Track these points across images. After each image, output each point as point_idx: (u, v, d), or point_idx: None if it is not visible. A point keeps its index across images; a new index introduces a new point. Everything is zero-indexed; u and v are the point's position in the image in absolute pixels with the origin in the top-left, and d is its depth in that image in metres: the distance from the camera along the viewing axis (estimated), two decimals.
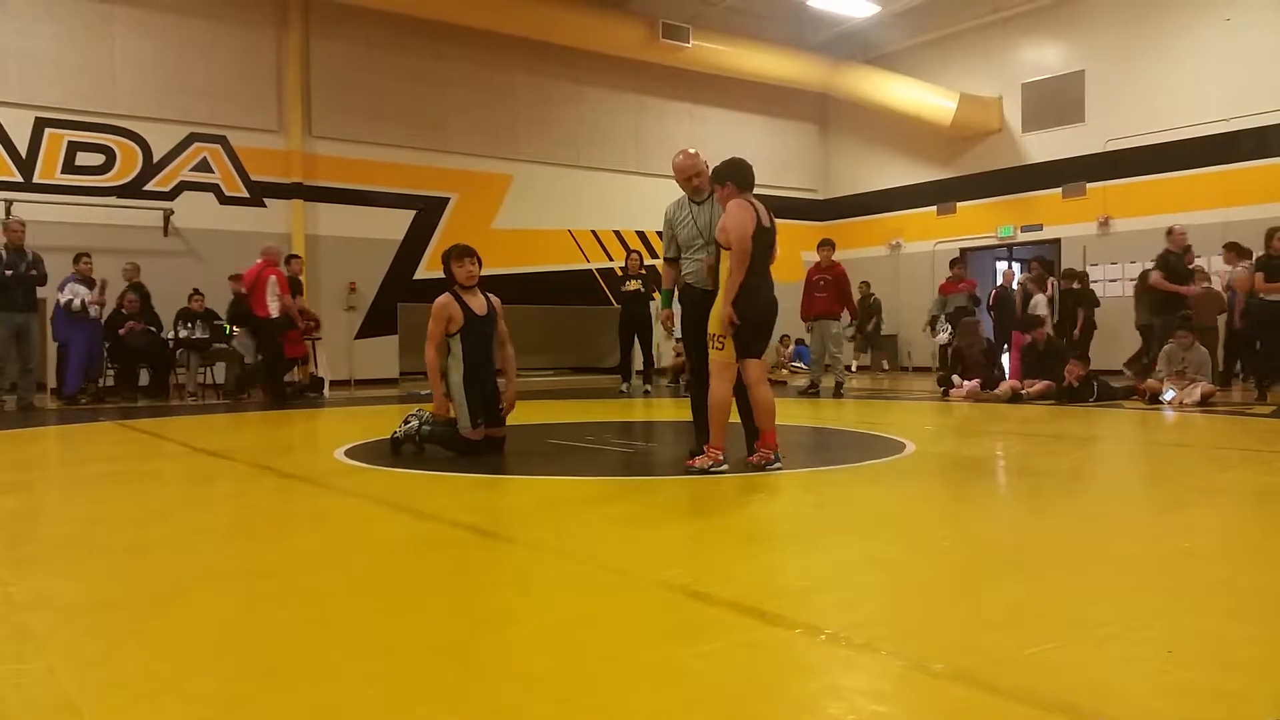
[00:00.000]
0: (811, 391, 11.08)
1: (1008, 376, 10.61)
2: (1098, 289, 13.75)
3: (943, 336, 13.66)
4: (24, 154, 11.85)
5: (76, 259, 10.63)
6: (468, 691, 1.88)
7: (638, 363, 12.49)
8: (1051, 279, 12.97)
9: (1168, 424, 7.41)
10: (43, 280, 9.88)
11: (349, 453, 5.82)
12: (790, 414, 8.40)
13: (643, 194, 15.87)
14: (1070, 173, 15.34)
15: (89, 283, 10.55)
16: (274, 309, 10.40)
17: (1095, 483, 4.82)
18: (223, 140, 13.14)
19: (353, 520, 3.88)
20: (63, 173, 12.07)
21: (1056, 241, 15.62)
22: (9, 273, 9.43)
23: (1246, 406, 8.81)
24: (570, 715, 1.76)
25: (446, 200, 14.90)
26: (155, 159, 12.65)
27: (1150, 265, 11.36)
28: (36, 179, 11.89)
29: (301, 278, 11.97)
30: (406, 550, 3.26)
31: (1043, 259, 13.71)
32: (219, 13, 13.07)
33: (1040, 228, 15.92)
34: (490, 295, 6.00)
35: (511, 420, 5.99)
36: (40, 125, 11.94)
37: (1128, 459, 5.90)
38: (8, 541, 3.45)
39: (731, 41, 16.46)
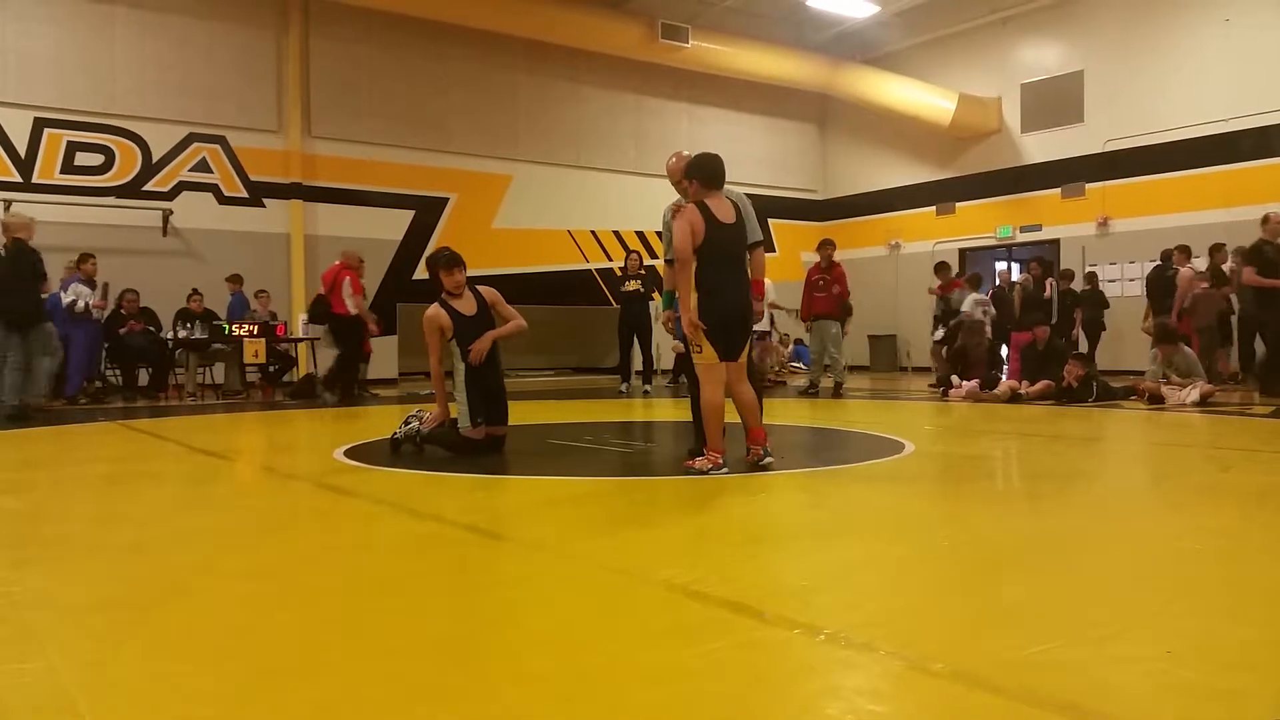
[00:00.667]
0: (811, 392, 11.09)
1: (1006, 376, 10.60)
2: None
3: (938, 333, 13.60)
4: (23, 154, 11.85)
5: (83, 260, 10.64)
6: (468, 691, 1.88)
7: (637, 363, 12.49)
8: (1051, 279, 12.96)
9: (1167, 424, 7.41)
10: (43, 279, 9.86)
11: (348, 453, 5.81)
12: (790, 414, 8.40)
13: (642, 194, 15.87)
14: (1069, 173, 15.35)
15: (92, 283, 10.56)
16: (350, 307, 10.64)
17: (1095, 483, 4.82)
18: (222, 140, 13.14)
19: (353, 520, 3.87)
20: (62, 173, 12.07)
21: (1056, 242, 15.63)
22: None
23: (1246, 406, 8.81)
24: (570, 715, 1.76)
25: (446, 200, 14.91)
26: (154, 159, 12.66)
27: (1229, 259, 11.22)
28: (35, 179, 11.90)
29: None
30: (406, 550, 3.26)
31: (1042, 259, 13.71)
32: (219, 13, 13.07)
33: (1039, 228, 15.93)
34: (481, 289, 5.97)
35: (511, 420, 5.99)
36: (39, 125, 11.95)
37: (1127, 459, 5.90)
38: (9, 541, 3.45)
39: (731, 41, 16.47)
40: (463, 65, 14.93)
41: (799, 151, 19.18)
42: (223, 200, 13.16)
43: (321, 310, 10.95)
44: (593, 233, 16.43)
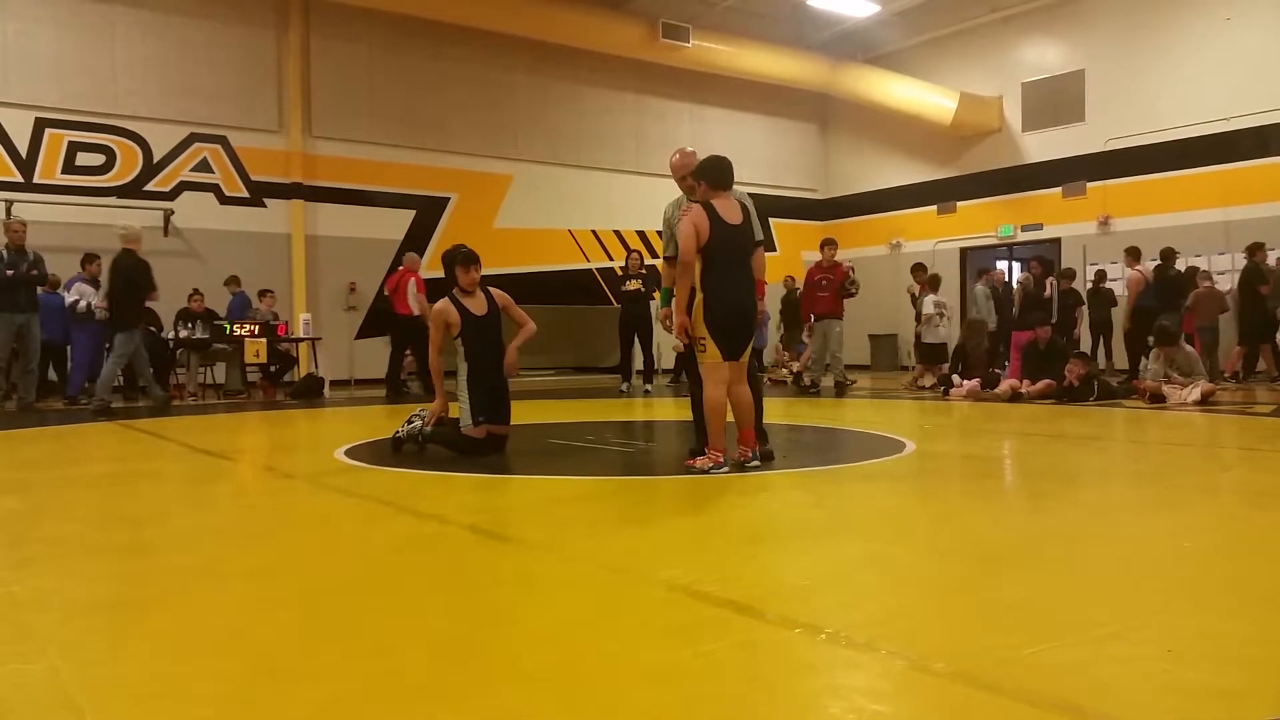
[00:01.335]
0: (812, 391, 11.10)
1: (1006, 375, 10.59)
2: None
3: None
4: (24, 154, 11.86)
5: (88, 260, 10.63)
6: (468, 691, 1.88)
7: (638, 362, 12.49)
8: (1051, 279, 12.95)
9: (1167, 423, 7.41)
10: (43, 280, 9.90)
11: (349, 453, 5.82)
12: (791, 413, 8.40)
13: (643, 194, 15.86)
14: (1070, 172, 15.34)
15: (96, 284, 10.57)
16: (415, 307, 11.09)
17: (1095, 482, 4.82)
18: (223, 140, 13.14)
19: (353, 520, 3.88)
20: (63, 173, 12.08)
21: (1056, 241, 15.62)
22: (10, 273, 9.44)
23: (1247, 406, 8.81)
24: (570, 715, 1.76)
25: (446, 200, 14.91)
26: (155, 159, 12.66)
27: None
28: (37, 179, 11.90)
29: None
30: (407, 550, 3.26)
31: (1042, 258, 13.68)
32: (219, 13, 13.07)
33: (1040, 227, 15.92)
34: (492, 291, 5.99)
35: (512, 420, 5.99)
36: (40, 125, 11.95)
37: (1128, 458, 5.89)
38: (9, 541, 3.45)
39: (731, 41, 16.46)
40: (463, 65, 14.92)
41: (800, 151, 19.18)
42: (224, 200, 13.16)
43: (385, 310, 11.56)
44: (594, 232, 16.43)
